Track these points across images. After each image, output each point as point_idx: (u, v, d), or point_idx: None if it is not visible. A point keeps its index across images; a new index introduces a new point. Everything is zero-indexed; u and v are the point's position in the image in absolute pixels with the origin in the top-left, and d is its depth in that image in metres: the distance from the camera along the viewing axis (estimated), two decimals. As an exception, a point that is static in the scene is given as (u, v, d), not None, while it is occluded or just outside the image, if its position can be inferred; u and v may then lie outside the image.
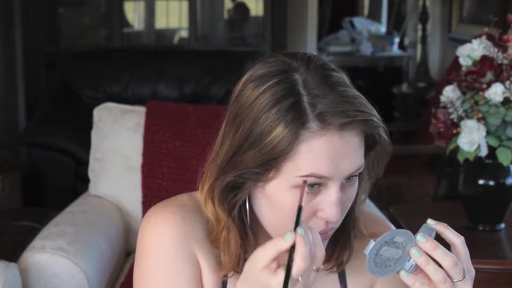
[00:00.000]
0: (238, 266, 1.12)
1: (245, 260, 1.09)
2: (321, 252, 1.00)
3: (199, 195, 1.14)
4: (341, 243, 1.16)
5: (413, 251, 1.00)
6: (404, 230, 1.03)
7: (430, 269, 1.00)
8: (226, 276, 1.14)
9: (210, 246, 1.14)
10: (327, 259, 1.16)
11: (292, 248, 0.97)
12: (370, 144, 1.09)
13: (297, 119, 1.02)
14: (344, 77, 1.08)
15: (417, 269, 1.02)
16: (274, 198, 1.06)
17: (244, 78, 1.10)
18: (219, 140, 1.11)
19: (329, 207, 1.05)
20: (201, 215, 1.15)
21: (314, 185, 1.04)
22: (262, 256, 0.98)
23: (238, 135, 1.06)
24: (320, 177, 1.03)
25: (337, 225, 1.10)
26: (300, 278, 0.96)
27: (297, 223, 0.98)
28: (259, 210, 1.10)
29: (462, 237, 1.05)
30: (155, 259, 1.12)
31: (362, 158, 1.06)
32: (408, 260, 1.01)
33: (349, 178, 1.07)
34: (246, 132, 1.05)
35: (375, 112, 1.06)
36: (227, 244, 1.12)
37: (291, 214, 1.02)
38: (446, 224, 1.04)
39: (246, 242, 1.12)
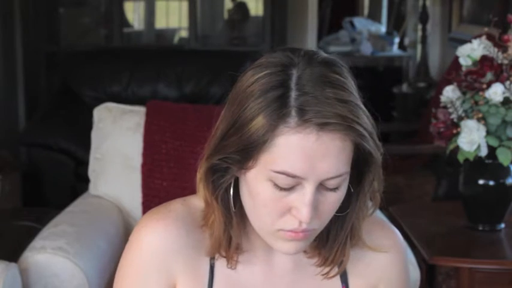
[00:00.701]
0: (220, 249, 1.13)
1: (228, 243, 1.11)
2: None
3: (197, 176, 1.15)
4: (337, 249, 1.15)
5: None
6: None
7: None
8: (213, 259, 1.15)
9: (196, 254, 1.15)
10: (322, 263, 1.16)
11: None
12: (364, 157, 1.07)
13: (277, 111, 1.02)
14: (345, 81, 1.06)
15: None
16: (252, 187, 1.07)
17: (248, 68, 1.11)
18: (217, 122, 1.12)
19: (301, 206, 1.04)
20: (191, 221, 1.15)
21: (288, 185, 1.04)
22: None
23: (228, 119, 1.07)
24: (293, 176, 1.03)
25: (315, 228, 1.08)
26: None
27: None
28: (242, 197, 1.11)
29: None
30: (130, 265, 1.16)
31: (345, 165, 1.04)
32: None
33: (333, 186, 1.05)
34: (234, 117, 1.06)
35: (362, 121, 1.03)
36: (212, 227, 1.13)
37: (265, 206, 1.04)
38: None
39: (230, 226, 1.12)
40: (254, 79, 1.05)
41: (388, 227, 1.25)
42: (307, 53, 1.08)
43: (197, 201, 1.16)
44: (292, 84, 1.04)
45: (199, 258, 1.15)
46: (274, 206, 1.05)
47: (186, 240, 1.14)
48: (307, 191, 1.04)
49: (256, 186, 1.06)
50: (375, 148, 1.06)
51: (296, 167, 1.02)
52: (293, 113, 1.02)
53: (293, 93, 1.03)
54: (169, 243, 1.14)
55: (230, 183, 1.11)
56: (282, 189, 1.04)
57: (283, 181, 1.03)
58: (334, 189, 1.06)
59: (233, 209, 1.11)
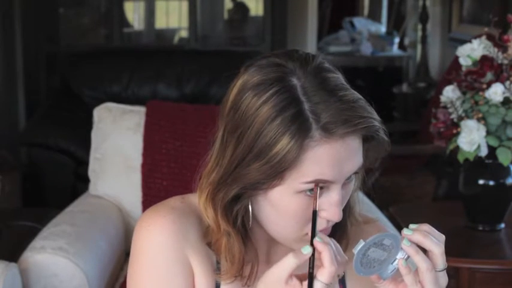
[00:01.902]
0: (240, 272, 1.13)
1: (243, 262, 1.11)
2: (343, 258, 1.02)
3: (198, 201, 1.14)
4: (338, 233, 1.16)
5: (404, 241, 1.02)
6: (393, 234, 1.05)
7: (419, 257, 1.02)
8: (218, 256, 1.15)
9: (203, 249, 1.15)
10: None
11: (313, 256, 0.99)
12: (365, 139, 1.09)
13: (301, 130, 1.02)
14: (340, 77, 1.08)
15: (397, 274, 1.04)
16: (278, 203, 1.06)
17: (238, 85, 1.08)
18: (216, 149, 1.10)
19: (331, 207, 1.06)
20: (194, 217, 1.15)
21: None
22: (282, 274, 1.00)
23: (241, 147, 1.05)
24: (324, 182, 1.04)
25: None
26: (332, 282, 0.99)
27: (314, 229, 1.01)
28: (261, 215, 1.10)
29: (442, 247, 1.05)
30: (146, 265, 1.13)
31: (361, 157, 1.07)
32: (392, 263, 1.03)
33: (351, 178, 1.08)
34: (250, 144, 1.04)
35: (375, 114, 1.06)
36: (228, 251, 1.12)
37: (295, 217, 1.05)
38: (428, 229, 1.05)
39: (247, 247, 1.13)
40: (260, 102, 1.04)
41: (383, 227, 1.26)
42: (296, 56, 1.08)
43: (196, 199, 1.16)
44: (301, 95, 1.03)
45: (207, 252, 1.15)
46: (303, 214, 1.06)
47: (193, 234, 1.14)
48: (335, 193, 1.06)
49: (283, 201, 1.06)
50: (384, 135, 1.08)
51: (326, 173, 1.03)
52: (316, 126, 1.02)
53: (307, 106, 1.03)
54: (181, 236, 1.13)
55: (248, 208, 1.10)
56: (310, 196, 1.05)
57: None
58: (350, 180, 1.09)
59: (249, 229, 1.12)
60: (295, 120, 1.02)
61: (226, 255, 1.12)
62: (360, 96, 1.06)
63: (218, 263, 1.15)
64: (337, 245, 1.03)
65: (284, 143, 1.02)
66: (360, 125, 1.03)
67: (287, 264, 0.99)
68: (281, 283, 1.00)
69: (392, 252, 1.03)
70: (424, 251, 1.04)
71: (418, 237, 1.03)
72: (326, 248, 0.99)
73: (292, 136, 1.01)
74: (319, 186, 1.04)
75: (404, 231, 1.04)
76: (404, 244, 1.02)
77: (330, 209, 1.06)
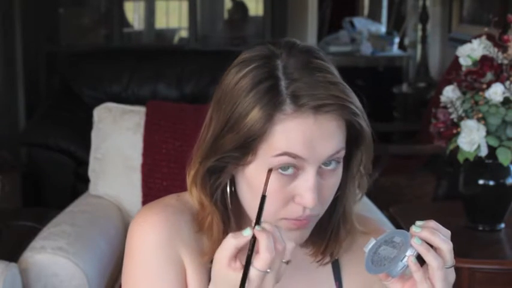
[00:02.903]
0: None
1: None
2: (290, 245, 1.01)
3: (187, 180, 1.14)
4: (330, 235, 1.16)
5: (415, 239, 1.02)
6: (403, 231, 1.05)
7: (430, 255, 1.02)
8: (211, 262, 1.14)
9: (197, 247, 1.15)
10: (315, 251, 1.16)
11: (252, 239, 0.98)
12: (355, 135, 1.09)
13: (271, 102, 1.03)
14: (328, 65, 1.08)
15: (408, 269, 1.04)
16: (253, 181, 1.07)
17: (230, 67, 1.11)
18: (204, 125, 1.13)
19: (305, 192, 1.05)
20: (189, 215, 1.16)
21: (289, 167, 1.05)
22: (223, 255, 0.99)
23: (220, 120, 1.08)
24: (294, 156, 1.04)
25: (318, 213, 1.10)
26: (268, 270, 0.97)
27: (260, 213, 1.00)
28: (240, 193, 1.11)
29: (451, 244, 1.05)
30: (138, 262, 1.13)
31: (340, 142, 1.06)
32: (401, 260, 1.03)
33: (328, 163, 1.07)
34: (226, 116, 1.07)
35: (354, 100, 1.06)
36: (210, 229, 1.13)
37: (269, 196, 1.03)
38: (435, 226, 1.05)
39: (228, 226, 1.13)
40: (241, 75, 1.07)
41: (370, 218, 1.26)
42: (287, 43, 1.09)
43: (188, 185, 1.17)
44: (280, 73, 1.05)
45: (201, 250, 1.15)
46: (277, 195, 1.06)
47: (187, 232, 1.14)
48: (309, 176, 1.05)
49: (257, 179, 1.06)
50: (366, 125, 1.08)
51: (296, 148, 1.03)
52: (287, 100, 1.03)
53: (283, 82, 1.04)
54: (174, 234, 1.13)
55: (226, 183, 1.11)
56: (284, 175, 1.05)
57: (285, 165, 1.04)
58: (333, 170, 1.08)
59: (230, 207, 1.12)
60: (267, 92, 1.04)
61: (207, 233, 1.13)
62: (343, 83, 1.06)
63: (211, 261, 1.15)
64: (282, 232, 1.01)
65: (254, 114, 1.03)
66: (331, 101, 1.03)
67: (227, 245, 0.99)
68: (224, 264, 0.99)
69: (402, 250, 1.02)
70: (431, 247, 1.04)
71: (427, 235, 1.03)
72: (263, 235, 0.97)
73: (263, 108, 1.03)
74: (292, 165, 1.04)
75: (413, 228, 1.03)
76: (415, 242, 1.02)
77: (304, 194, 1.05)
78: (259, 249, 0.97)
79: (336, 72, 1.09)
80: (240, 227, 1.12)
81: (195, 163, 1.12)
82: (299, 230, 1.09)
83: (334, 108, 1.03)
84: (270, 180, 1.04)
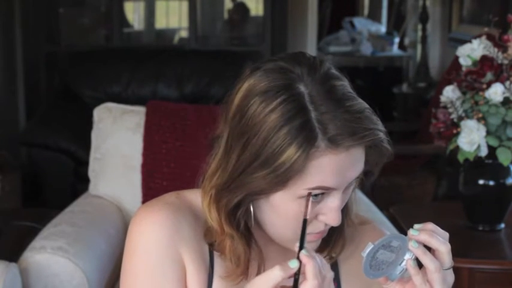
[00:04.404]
0: (246, 272, 1.13)
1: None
2: (330, 274, 1.02)
3: (201, 202, 1.13)
4: (335, 234, 1.17)
5: (412, 243, 1.02)
6: (401, 235, 1.06)
7: (427, 258, 1.02)
8: (212, 245, 1.15)
9: (197, 245, 1.14)
10: (321, 250, 1.17)
11: (298, 271, 0.98)
12: (368, 146, 1.09)
13: (307, 140, 1.02)
14: (347, 85, 1.07)
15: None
16: (279, 207, 1.07)
17: (244, 89, 1.07)
18: (220, 153, 1.10)
19: (331, 211, 1.07)
20: (189, 213, 1.15)
21: (318, 194, 1.06)
22: (268, 285, 0.99)
23: (247, 154, 1.05)
24: (326, 189, 1.05)
25: None
26: None
27: (302, 240, 1.00)
28: (261, 216, 1.11)
29: (449, 246, 1.05)
30: (137, 260, 1.13)
31: (363, 164, 1.08)
32: (400, 264, 1.03)
33: (352, 182, 1.09)
34: (256, 152, 1.04)
35: (380, 125, 1.06)
36: (233, 253, 1.12)
37: (294, 220, 1.05)
38: (433, 228, 1.05)
39: (251, 248, 1.13)
40: (268, 110, 1.03)
41: (379, 228, 1.26)
42: (301, 61, 1.07)
43: (191, 195, 1.17)
44: (308, 103, 1.03)
45: (201, 249, 1.15)
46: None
47: (187, 230, 1.14)
48: (336, 198, 1.07)
49: (285, 206, 1.06)
50: (388, 145, 1.09)
51: (329, 181, 1.04)
52: (320, 135, 1.02)
53: (313, 115, 1.03)
54: (174, 232, 1.13)
55: (251, 212, 1.10)
56: (312, 202, 1.05)
57: (316, 193, 1.05)
58: (351, 185, 1.09)
59: (253, 233, 1.13)
60: (302, 129, 1.02)
61: (231, 257, 1.13)
62: (366, 106, 1.06)
63: (212, 260, 1.15)
64: (323, 260, 1.02)
65: (291, 153, 1.02)
66: (366, 138, 1.03)
67: (273, 276, 0.99)
68: None
69: (400, 254, 1.03)
70: (429, 249, 1.04)
71: (425, 237, 1.03)
72: (311, 261, 0.98)
73: (299, 146, 1.01)
74: (321, 193, 1.05)
75: (411, 231, 1.04)
76: (412, 246, 1.02)
77: (329, 214, 1.07)
78: (307, 275, 0.98)
79: (349, 86, 1.08)
80: (258, 247, 1.14)
81: (210, 190, 1.11)
82: (316, 240, 1.12)
83: (365, 141, 1.04)
84: (297, 204, 1.05)
